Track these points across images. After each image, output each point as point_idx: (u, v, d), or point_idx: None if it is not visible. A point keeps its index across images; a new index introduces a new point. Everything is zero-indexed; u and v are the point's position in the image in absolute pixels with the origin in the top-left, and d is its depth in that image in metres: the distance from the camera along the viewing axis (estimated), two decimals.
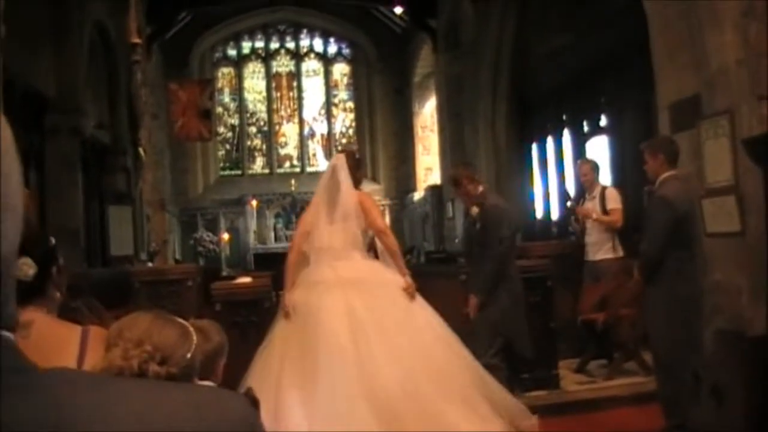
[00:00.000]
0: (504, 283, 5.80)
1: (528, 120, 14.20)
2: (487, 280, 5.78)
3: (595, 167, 7.90)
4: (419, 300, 4.75)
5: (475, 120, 15.30)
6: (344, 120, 24.47)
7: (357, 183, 5.10)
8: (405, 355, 4.34)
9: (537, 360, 6.35)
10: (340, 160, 5.15)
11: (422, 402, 4.17)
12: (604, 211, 7.53)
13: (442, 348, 4.53)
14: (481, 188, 6.02)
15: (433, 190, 19.21)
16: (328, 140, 24.00)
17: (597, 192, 7.67)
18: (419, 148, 22.61)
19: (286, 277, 4.94)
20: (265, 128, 24.06)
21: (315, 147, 24.17)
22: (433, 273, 8.23)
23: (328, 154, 23.25)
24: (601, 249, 7.53)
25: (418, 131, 22.60)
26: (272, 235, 22.28)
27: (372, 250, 5.08)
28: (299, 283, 4.85)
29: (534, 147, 14.25)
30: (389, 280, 4.76)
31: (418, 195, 21.47)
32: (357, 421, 4.02)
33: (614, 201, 7.55)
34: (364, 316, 4.47)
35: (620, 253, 7.42)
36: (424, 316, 4.67)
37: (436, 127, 19.73)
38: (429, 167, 21.99)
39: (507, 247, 5.80)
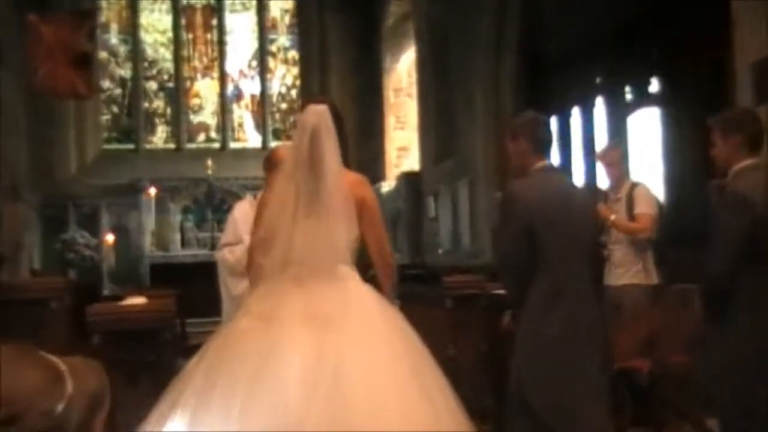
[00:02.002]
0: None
1: (544, 84, 14.26)
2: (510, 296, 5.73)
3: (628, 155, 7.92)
4: (411, 343, 4.34)
5: (469, 82, 15.33)
6: (285, 76, 24.50)
7: (344, 154, 4.63)
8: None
9: None
10: (323, 116, 4.56)
11: None
12: (631, 217, 7.60)
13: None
14: (539, 164, 5.52)
15: (408, 178, 19.28)
16: (261, 104, 24.00)
17: (624, 191, 7.75)
18: (390, 120, 22.70)
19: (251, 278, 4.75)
20: (171, 84, 23.98)
21: (242, 113, 24.17)
22: (409, 297, 8.23)
23: (261, 124, 23.20)
24: (628, 271, 7.61)
25: (390, 96, 22.69)
26: (178, 237, 22.28)
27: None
28: (245, 311, 4.44)
29: (553, 122, 14.30)
30: (388, 320, 4.35)
31: (387, 185, 21.38)
32: None
33: (645, 204, 7.59)
34: (341, 375, 3.95)
35: (654, 278, 7.51)
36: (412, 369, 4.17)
37: (414, 91, 19.79)
38: (404, 146, 22.09)
39: (511, 254, 5.47)
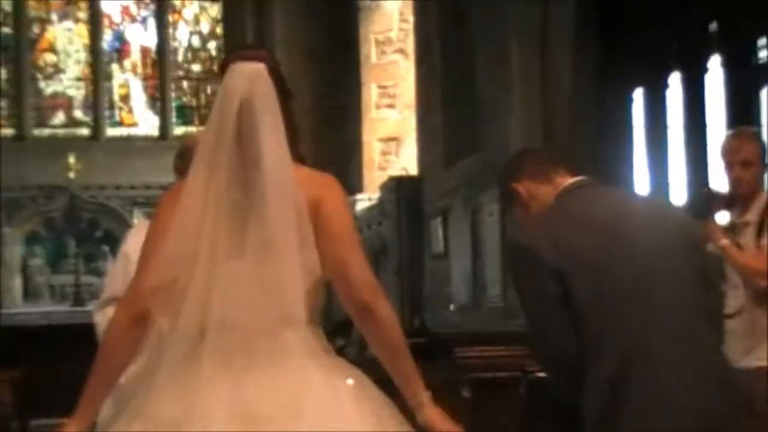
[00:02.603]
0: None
1: (621, 38, 14.27)
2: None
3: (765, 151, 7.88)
4: None
5: (500, 34, 15.37)
6: (198, 20, 24.73)
7: (293, 143, 4.39)
8: None
9: None
10: (258, 81, 4.36)
11: None
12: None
13: None
14: (555, 192, 5.68)
15: (400, 189, 19.40)
16: (160, 65, 24.28)
17: (759, 207, 7.68)
18: (372, 91, 22.88)
19: (89, 382, 4.48)
20: (8, 30, 24.30)
21: (127, 79, 24.36)
22: None
23: (159, 98, 23.26)
24: (759, 342, 7.52)
25: (371, 53, 22.92)
26: (18, 284, 22.43)
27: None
28: (136, 412, 4.21)
29: (639, 95, 14.32)
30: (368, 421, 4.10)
31: (364, 200, 21.76)
32: None
33: None
34: None
35: None
36: None
37: (410, 46, 19.99)
38: (393, 136, 22.30)
39: (541, 322, 5.51)
